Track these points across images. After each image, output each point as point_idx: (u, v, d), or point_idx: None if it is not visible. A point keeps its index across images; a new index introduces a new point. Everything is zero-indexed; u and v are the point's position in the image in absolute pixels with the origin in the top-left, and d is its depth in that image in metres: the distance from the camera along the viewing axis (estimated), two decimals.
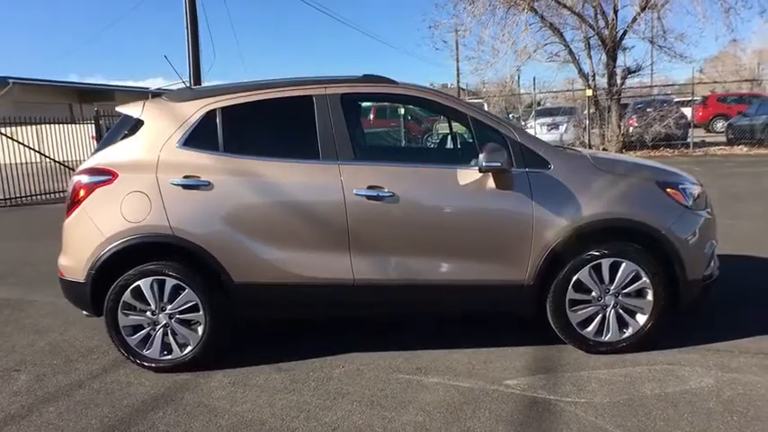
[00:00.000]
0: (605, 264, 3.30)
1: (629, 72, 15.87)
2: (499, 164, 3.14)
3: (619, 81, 15.87)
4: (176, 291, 3.34)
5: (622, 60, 16.33)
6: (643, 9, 15.17)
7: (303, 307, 3.48)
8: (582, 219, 3.24)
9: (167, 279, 3.32)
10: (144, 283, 3.33)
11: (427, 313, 3.67)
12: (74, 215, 3.38)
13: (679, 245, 3.29)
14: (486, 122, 3.40)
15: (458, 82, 49.32)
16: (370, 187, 3.26)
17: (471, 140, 3.42)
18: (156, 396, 3.15)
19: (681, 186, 3.44)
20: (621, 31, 15.61)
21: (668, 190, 3.38)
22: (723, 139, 18.16)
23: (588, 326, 3.38)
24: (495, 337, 3.68)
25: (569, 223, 3.24)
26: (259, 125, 3.50)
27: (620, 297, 3.34)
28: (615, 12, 15.09)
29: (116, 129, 3.64)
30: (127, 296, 3.34)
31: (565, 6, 15.14)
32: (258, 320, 4.04)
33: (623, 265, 3.30)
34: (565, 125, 16.91)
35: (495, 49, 15.72)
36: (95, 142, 15.65)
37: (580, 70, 16.26)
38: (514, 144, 3.31)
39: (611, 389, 3.00)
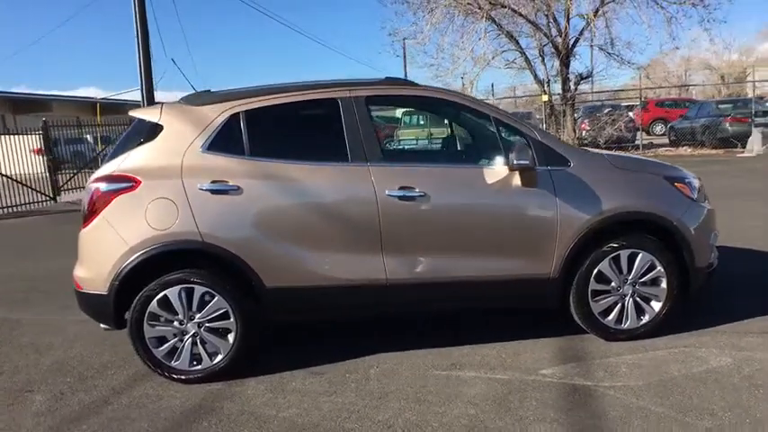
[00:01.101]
0: (624, 255, 3.47)
1: (581, 78, 16.59)
2: (527, 162, 3.25)
3: (572, 86, 16.56)
4: (205, 299, 3.27)
5: (575, 67, 17.05)
6: (594, 16, 15.88)
7: (336, 309, 3.48)
8: (602, 213, 3.40)
9: (196, 287, 3.25)
10: (171, 293, 3.24)
11: (456, 310, 3.73)
12: (93, 225, 3.26)
13: (688, 235, 3.50)
14: (509, 123, 3.52)
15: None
16: (401, 188, 3.31)
17: (491, 141, 3.52)
18: (194, 407, 3.07)
19: (686, 180, 3.66)
20: (573, 39, 16.31)
21: (676, 184, 3.60)
22: (666, 141, 19.23)
23: (609, 315, 3.54)
24: (515, 331, 3.78)
25: (591, 217, 3.39)
26: (285, 128, 3.49)
27: (637, 286, 3.52)
28: (567, 20, 15.75)
29: (130, 135, 3.55)
30: (153, 306, 3.25)
31: (520, 15, 15.67)
32: (282, 325, 4.00)
33: (640, 255, 3.48)
34: None
35: (454, 56, 16.07)
36: (39, 155, 14.91)
37: (536, 76, 16.88)
38: (536, 143, 3.44)
39: (641, 372, 3.16)
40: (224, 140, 3.34)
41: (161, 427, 2.89)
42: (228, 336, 3.32)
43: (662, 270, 3.49)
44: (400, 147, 4.23)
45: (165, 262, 3.23)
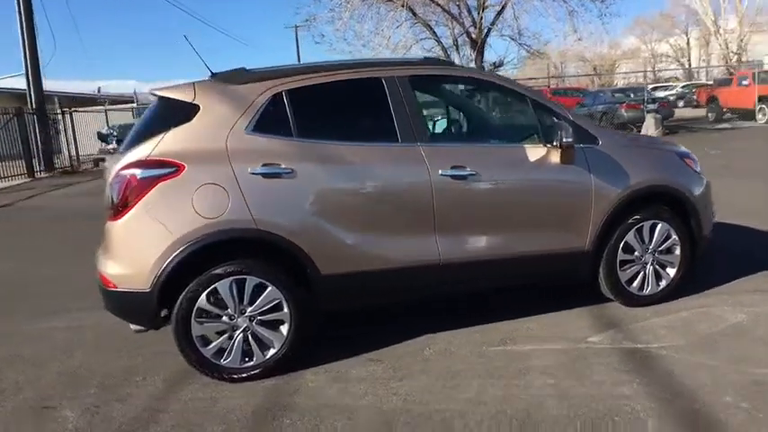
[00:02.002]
0: (646, 226, 3.73)
1: (494, 66, 17.32)
2: (572, 140, 3.38)
3: None
4: (258, 290, 3.07)
5: (489, 56, 17.77)
6: (501, 9, 16.64)
7: (391, 293, 3.41)
8: (629, 186, 3.62)
9: (248, 278, 3.04)
10: (222, 286, 3.01)
11: (501, 287, 3.79)
12: (130, 215, 2.92)
13: (698, 206, 3.83)
14: (543, 102, 3.63)
15: None
16: (453, 167, 3.30)
17: (528, 120, 3.61)
18: (263, 405, 2.88)
19: (691, 156, 4.00)
20: (486, 30, 16.97)
21: (685, 159, 3.91)
22: None
23: (633, 282, 3.79)
24: (539, 305, 3.90)
25: (621, 191, 3.60)
26: (329, 108, 3.35)
27: (656, 254, 3.80)
28: (483, 10, 16.35)
29: (156, 116, 3.23)
30: (202, 302, 2.99)
31: (437, 4, 16.02)
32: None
33: (659, 225, 3.75)
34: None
35: (374, 44, 16.10)
36: None
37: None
38: (569, 122, 3.58)
39: (677, 333, 3.42)
40: (269, 121, 3.13)
41: (240, 428, 2.68)
42: (281, 328, 3.14)
43: (676, 239, 3.80)
44: (441, 127, 4.18)
45: (213, 253, 2.98)
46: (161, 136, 3.02)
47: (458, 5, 16.80)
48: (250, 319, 3.09)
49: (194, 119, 3.06)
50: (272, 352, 3.14)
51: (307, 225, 3.09)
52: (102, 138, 20.92)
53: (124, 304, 3.03)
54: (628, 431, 2.48)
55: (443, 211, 3.30)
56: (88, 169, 18.14)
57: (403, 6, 15.93)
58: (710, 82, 29.06)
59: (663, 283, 3.84)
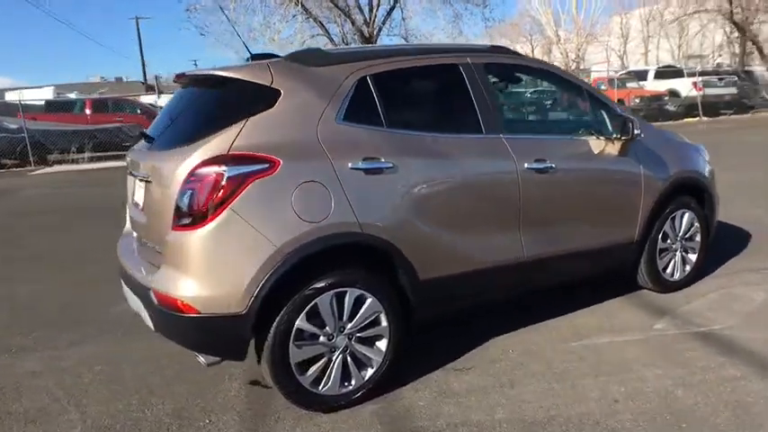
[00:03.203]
0: (679, 214, 3.92)
1: None
2: (639, 132, 3.42)
3: None
4: (358, 303, 2.68)
5: None
6: (391, 9, 16.83)
7: (478, 295, 3.18)
8: (669, 177, 3.77)
9: (350, 290, 2.64)
10: (322, 301, 2.58)
11: (568, 283, 3.69)
12: (217, 223, 2.37)
13: (713, 194, 4.12)
14: (597, 96, 3.64)
15: (144, 73, 45.65)
16: (537, 160, 3.17)
17: (587, 112, 3.60)
18: None
19: (702, 147, 4.27)
20: (378, 28, 17.05)
21: (701, 152, 4.18)
22: None
23: (667, 269, 3.96)
24: (572, 301, 3.84)
25: (663, 182, 3.74)
26: (413, 96, 3.04)
27: (683, 242, 4.01)
28: (377, 8, 16.38)
29: (222, 101, 2.70)
30: (301, 321, 2.54)
31: (330, 0, 15.74)
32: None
33: (687, 214, 3.97)
34: None
35: (267, 39, 15.35)
36: None
37: None
38: (624, 115, 3.63)
39: (722, 313, 3.61)
40: (358, 109, 2.75)
41: None
42: (378, 344, 2.78)
43: (698, 226, 4.04)
44: (510, 118, 3.93)
45: (315, 263, 2.54)
46: (237, 126, 2.50)
47: (346, 2, 16.66)
48: (349, 338, 2.69)
49: (276, 105, 2.58)
50: (370, 372, 2.77)
51: (407, 226, 2.77)
52: None
53: (210, 332, 2.46)
54: None
55: (527, 207, 3.17)
56: None
57: (291, 1, 15.43)
58: None
59: (687, 269, 4.07)
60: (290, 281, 2.47)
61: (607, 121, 3.54)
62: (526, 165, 3.13)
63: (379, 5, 16.40)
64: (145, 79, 46.80)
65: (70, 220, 8.00)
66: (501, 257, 3.13)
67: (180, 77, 2.98)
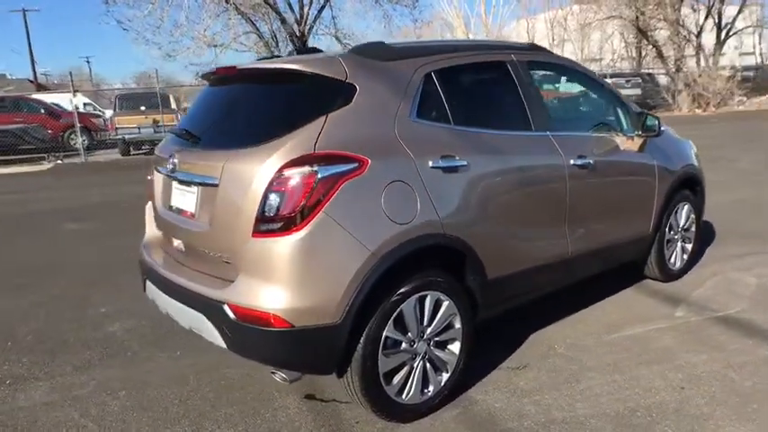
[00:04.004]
0: (680, 207, 4.15)
1: None
2: (664, 129, 3.58)
3: None
4: (437, 307, 2.60)
5: None
6: (322, 8, 16.61)
7: (532, 292, 3.18)
8: (676, 172, 3.99)
9: (430, 294, 2.55)
10: (407, 306, 2.47)
11: (594, 275, 3.75)
12: (312, 228, 2.18)
13: (704, 186, 4.40)
14: (618, 95, 3.76)
15: (34, 71, 41.99)
16: (579, 156, 3.23)
17: (611, 110, 3.70)
18: None
19: (692, 143, 4.54)
20: (310, 26, 16.73)
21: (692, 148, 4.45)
22: None
23: (671, 259, 4.18)
24: (588, 294, 3.96)
25: (672, 177, 3.94)
26: (472, 92, 2.96)
27: (683, 232, 4.25)
28: (305, 7, 16.04)
29: (293, 95, 2.51)
30: (389, 329, 2.42)
31: None
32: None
33: (686, 206, 4.21)
34: None
35: (195, 36, 14.59)
36: None
37: None
38: (642, 112, 3.78)
39: (730, 298, 3.86)
40: (427, 106, 2.66)
41: None
42: (451, 347, 2.71)
43: (694, 217, 4.31)
44: (552, 115, 3.85)
45: (404, 267, 2.42)
46: (317, 123, 2.32)
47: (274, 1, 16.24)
48: (428, 343, 2.59)
49: (353, 101, 2.43)
50: (445, 377, 2.69)
51: (479, 225, 2.71)
52: None
53: (301, 346, 2.26)
54: None
55: (572, 203, 3.21)
56: None
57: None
58: None
59: (685, 258, 4.32)
60: (381, 287, 2.34)
61: (630, 118, 3.68)
62: (572, 161, 3.18)
63: (311, 4, 16.13)
64: (35, 77, 43.00)
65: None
66: (552, 253, 3.16)
67: (228, 71, 2.72)
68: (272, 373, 2.44)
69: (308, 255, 2.20)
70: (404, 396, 2.53)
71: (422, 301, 2.53)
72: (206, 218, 2.48)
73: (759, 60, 30.83)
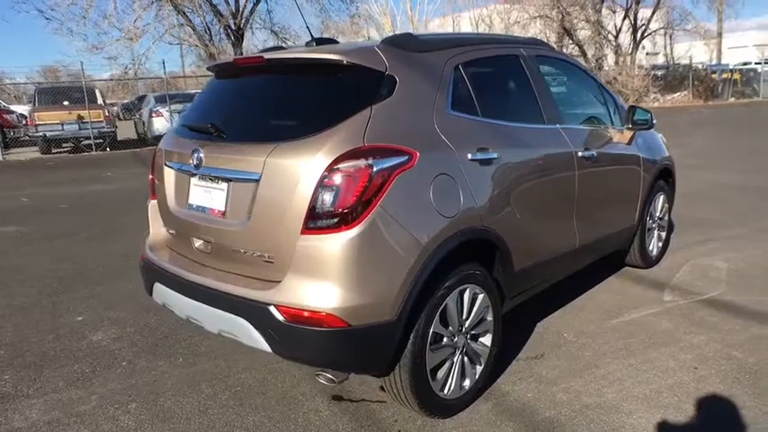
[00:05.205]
0: (657, 198, 4.37)
1: None
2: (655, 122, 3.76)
3: None
4: (473, 300, 2.59)
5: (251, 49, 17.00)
6: (257, 2, 16.17)
7: (543, 283, 3.23)
8: (657, 163, 4.20)
9: (469, 287, 2.54)
10: (451, 300, 2.45)
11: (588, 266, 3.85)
12: (367, 223, 2.10)
13: (675, 177, 4.66)
14: (609, 91, 3.89)
15: None
16: (585, 149, 3.32)
17: (603, 104, 3.82)
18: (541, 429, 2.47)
19: (662, 135, 4.79)
20: (246, 20, 16.22)
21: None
22: None
23: (650, 246, 4.40)
24: (577, 281, 4.08)
25: (654, 168, 4.15)
26: (492, 85, 2.96)
27: (659, 221, 4.48)
28: (238, 1, 15.54)
29: (333, 87, 2.41)
30: (436, 324, 2.38)
31: None
32: None
33: (662, 197, 4.45)
34: None
35: (125, 28, 13.76)
36: None
37: (211, 55, 16.06)
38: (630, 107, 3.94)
39: (707, 283, 4.10)
40: (459, 98, 2.64)
41: None
42: (483, 339, 2.72)
43: (668, 206, 4.56)
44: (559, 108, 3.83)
45: (451, 261, 2.39)
46: (362, 115, 2.24)
47: None
48: (466, 336, 2.59)
49: (395, 93, 2.36)
50: (479, 369, 2.69)
51: (510, 217, 2.73)
52: None
53: (357, 346, 2.17)
54: None
55: (580, 194, 3.30)
56: None
57: None
58: None
59: (660, 245, 4.56)
60: (432, 281, 2.30)
61: (620, 112, 3.82)
62: (580, 153, 3.26)
63: None
64: None
65: None
66: (564, 244, 3.24)
67: (254, 60, 2.56)
68: (317, 374, 2.34)
69: (364, 251, 2.12)
70: (445, 391, 2.51)
71: (462, 294, 2.51)
72: (241, 215, 2.34)
73: (669, 60, 33.10)
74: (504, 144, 2.75)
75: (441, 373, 2.48)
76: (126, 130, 19.10)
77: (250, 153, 2.30)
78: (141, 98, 20.29)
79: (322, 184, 2.11)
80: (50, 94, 15.70)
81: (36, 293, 4.42)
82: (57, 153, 15.78)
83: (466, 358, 2.61)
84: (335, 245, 2.10)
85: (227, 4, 15.89)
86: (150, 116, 16.29)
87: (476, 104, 2.72)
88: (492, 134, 2.72)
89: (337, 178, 2.11)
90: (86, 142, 15.61)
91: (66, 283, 4.63)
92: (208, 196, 2.50)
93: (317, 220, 2.12)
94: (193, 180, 2.58)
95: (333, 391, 2.81)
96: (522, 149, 2.88)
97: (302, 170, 2.14)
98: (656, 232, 4.46)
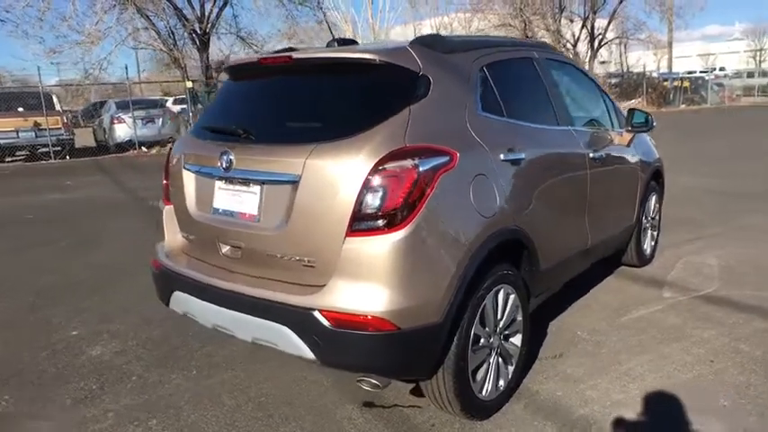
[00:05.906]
0: (650, 198, 4.49)
1: (221, 64, 16.38)
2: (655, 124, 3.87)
3: (214, 73, 16.21)
4: (506, 300, 2.59)
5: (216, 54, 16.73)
6: (223, 5, 15.93)
7: (559, 283, 3.25)
8: (651, 164, 4.32)
9: (503, 288, 2.54)
10: (489, 301, 2.44)
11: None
12: (415, 224, 2.07)
13: (664, 178, 4.80)
14: (606, 92, 3.98)
15: None
16: (595, 150, 3.38)
17: (602, 106, 3.90)
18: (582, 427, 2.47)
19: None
20: (211, 25, 15.93)
21: None
22: None
23: (644, 245, 4.51)
24: (576, 281, 4.19)
25: (649, 170, 4.27)
26: (513, 87, 2.97)
27: (651, 221, 4.60)
28: (206, 4, 15.27)
29: (368, 87, 2.37)
30: (476, 325, 2.37)
31: None
32: None
33: (654, 197, 4.57)
34: (161, 118, 16.01)
35: (87, 31, 13.28)
36: None
37: (175, 60, 15.69)
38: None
39: (701, 279, 4.24)
40: (486, 99, 2.65)
41: None
42: (513, 339, 2.72)
43: (658, 206, 4.70)
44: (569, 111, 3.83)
45: (490, 261, 2.38)
46: (401, 115, 2.22)
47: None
48: (499, 337, 2.58)
49: (430, 94, 2.35)
50: (511, 370, 2.69)
51: (536, 217, 2.75)
52: None
53: (404, 349, 2.13)
54: None
55: (591, 195, 3.36)
56: None
57: None
58: None
59: (653, 244, 4.69)
60: (474, 282, 2.29)
61: (620, 115, 3.92)
62: (591, 155, 3.32)
63: (214, 1, 15.35)
64: None
65: None
66: (578, 244, 3.29)
67: (282, 60, 2.49)
68: (359, 380, 2.29)
69: (412, 252, 2.09)
70: (483, 392, 2.50)
71: (497, 294, 2.51)
72: (276, 219, 2.27)
73: (622, 69, 34.32)
74: (528, 144, 2.77)
75: (479, 375, 2.47)
76: (84, 138, 18.45)
77: (287, 154, 2.24)
78: (101, 104, 19.59)
79: (368, 185, 2.07)
80: (4, 100, 15.00)
81: (20, 307, 4.19)
82: (10, 162, 15.09)
83: (500, 359, 2.60)
84: (383, 247, 2.06)
85: (192, 8, 15.59)
86: (112, 123, 15.78)
87: (501, 105, 2.73)
88: (517, 135, 2.74)
89: (384, 179, 2.07)
90: (44, 150, 14.98)
91: (51, 297, 4.40)
92: (237, 200, 2.42)
93: (362, 222, 2.08)
94: (218, 183, 2.50)
95: (364, 398, 2.75)
96: (543, 150, 2.91)
97: (346, 171, 2.09)
98: (649, 231, 4.58)
